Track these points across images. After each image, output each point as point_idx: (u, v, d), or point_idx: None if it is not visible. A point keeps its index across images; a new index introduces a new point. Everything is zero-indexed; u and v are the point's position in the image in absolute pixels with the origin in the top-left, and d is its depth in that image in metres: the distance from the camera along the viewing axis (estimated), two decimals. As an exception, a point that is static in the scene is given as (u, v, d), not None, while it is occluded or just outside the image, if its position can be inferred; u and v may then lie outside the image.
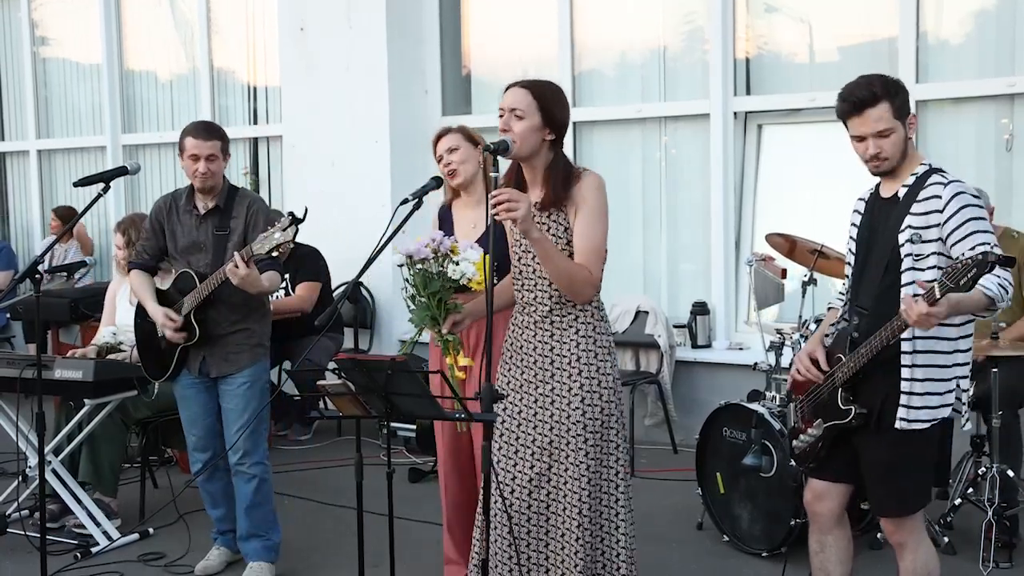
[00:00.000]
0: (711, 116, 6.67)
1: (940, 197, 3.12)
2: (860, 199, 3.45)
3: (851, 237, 3.43)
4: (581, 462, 3.30)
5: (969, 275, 2.82)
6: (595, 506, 3.34)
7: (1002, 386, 4.46)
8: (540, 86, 3.34)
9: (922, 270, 3.15)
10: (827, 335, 3.46)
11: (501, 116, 3.30)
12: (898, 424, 3.18)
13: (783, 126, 6.69)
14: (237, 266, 4.07)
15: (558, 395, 3.34)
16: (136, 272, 4.57)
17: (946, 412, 3.23)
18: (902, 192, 3.22)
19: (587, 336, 3.34)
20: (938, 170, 3.23)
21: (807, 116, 6.47)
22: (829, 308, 3.58)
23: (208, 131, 4.44)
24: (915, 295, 2.96)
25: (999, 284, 2.99)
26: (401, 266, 3.31)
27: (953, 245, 3.10)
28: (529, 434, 3.38)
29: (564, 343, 3.34)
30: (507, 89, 3.35)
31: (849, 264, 3.43)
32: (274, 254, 4.08)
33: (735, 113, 6.65)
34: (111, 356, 5.20)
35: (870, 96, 3.15)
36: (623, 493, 3.39)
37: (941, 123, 6.18)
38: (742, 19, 6.65)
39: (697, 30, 6.84)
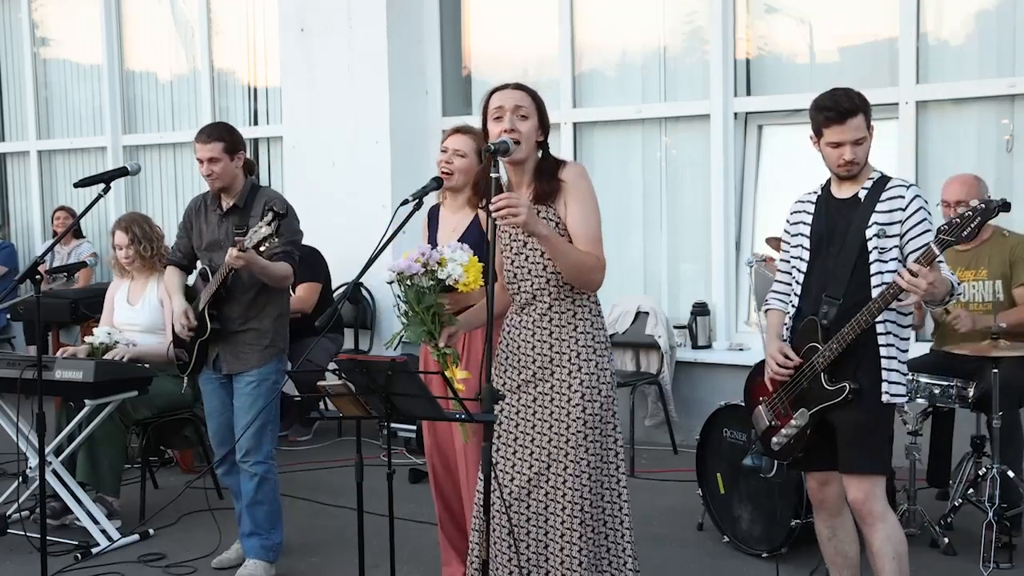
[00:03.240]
0: (711, 117, 6.68)
1: (903, 197, 3.42)
2: (805, 201, 3.66)
3: (801, 234, 3.61)
4: (582, 459, 3.30)
5: (973, 224, 3.15)
6: (597, 502, 3.34)
7: (1003, 385, 4.45)
8: (532, 89, 3.39)
9: (885, 262, 3.41)
10: (785, 326, 3.64)
11: (499, 118, 3.30)
12: (884, 399, 3.41)
13: (783, 127, 6.69)
14: (235, 256, 4.12)
15: (557, 392, 3.33)
16: (170, 268, 4.71)
17: (905, 391, 3.52)
18: (863, 193, 3.49)
19: (586, 332, 3.35)
20: (889, 176, 3.52)
21: (807, 117, 6.45)
22: (768, 310, 3.77)
23: (208, 134, 4.46)
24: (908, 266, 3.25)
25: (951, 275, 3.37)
26: (391, 283, 3.29)
27: (911, 241, 3.40)
28: (528, 434, 3.38)
29: (563, 340, 3.34)
30: (496, 91, 3.35)
31: (800, 259, 3.59)
32: (261, 248, 4.11)
33: (735, 114, 6.65)
34: (107, 355, 5.20)
35: (853, 107, 3.44)
36: (625, 488, 3.41)
37: (942, 124, 6.18)
38: (742, 20, 6.65)
39: (697, 30, 6.85)
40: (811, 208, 3.61)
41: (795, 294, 3.62)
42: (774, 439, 3.64)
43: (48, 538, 4.21)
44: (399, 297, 3.31)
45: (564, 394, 3.33)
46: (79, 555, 4.84)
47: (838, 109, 3.43)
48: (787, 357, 3.55)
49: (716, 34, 6.62)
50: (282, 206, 4.33)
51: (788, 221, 3.69)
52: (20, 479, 5.06)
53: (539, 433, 3.36)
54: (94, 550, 4.90)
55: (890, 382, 3.41)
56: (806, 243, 3.59)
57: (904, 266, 3.34)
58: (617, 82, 7.19)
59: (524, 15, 7.44)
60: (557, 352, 3.34)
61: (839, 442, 3.48)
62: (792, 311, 3.61)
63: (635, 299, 6.74)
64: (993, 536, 4.37)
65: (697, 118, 6.82)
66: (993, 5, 6.05)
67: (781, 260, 3.74)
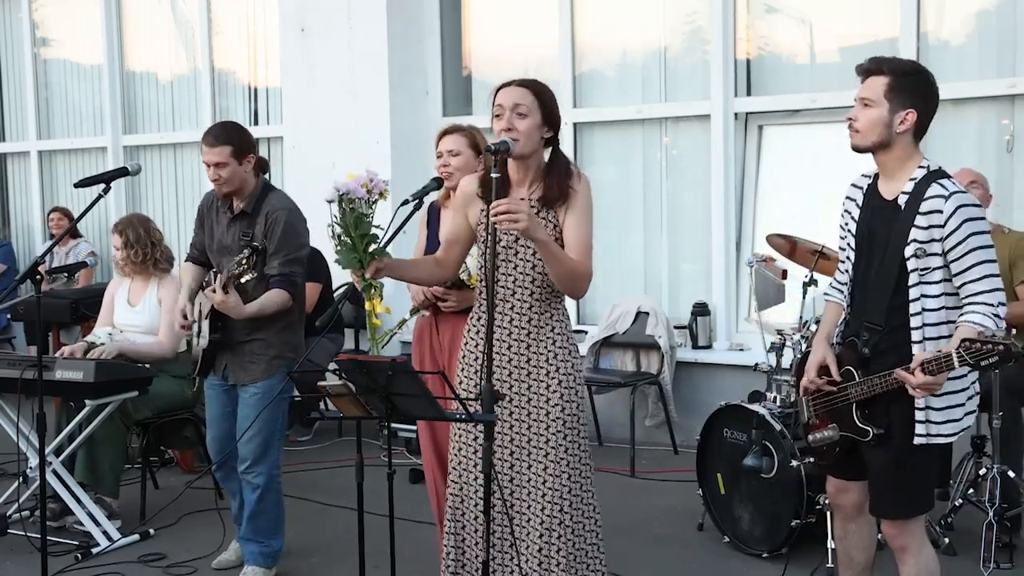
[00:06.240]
0: (712, 117, 6.67)
1: (941, 212, 3.08)
2: (855, 186, 3.38)
3: (848, 230, 3.37)
4: (561, 458, 3.31)
5: (991, 361, 2.89)
6: (576, 503, 3.35)
7: (1003, 384, 4.45)
8: (537, 84, 3.36)
9: (929, 283, 3.14)
10: (836, 331, 3.42)
11: (499, 116, 3.29)
12: (916, 440, 3.17)
13: (784, 127, 6.69)
14: (215, 290, 4.06)
15: (535, 393, 3.34)
16: (186, 265, 4.63)
17: (971, 421, 3.25)
18: (903, 199, 3.18)
19: (562, 334, 3.37)
20: (937, 173, 3.18)
21: (808, 117, 6.47)
22: (827, 300, 3.54)
23: (215, 136, 4.29)
24: (918, 365, 3.01)
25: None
26: (331, 202, 3.23)
27: (953, 262, 3.11)
28: (506, 434, 3.37)
29: (541, 341, 3.35)
30: (500, 89, 3.34)
31: (848, 259, 3.37)
32: (243, 280, 4.04)
33: (736, 114, 6.65)
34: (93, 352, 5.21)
35: (876, 67, 3.19)
36: (594, 487, 3.42)
37: (942, 124, 6.12)
38: (743, 20, 6.65)
39: (698, 30, 6.85)
40: (860, 199, 3.33)
41: (848, 292, 3.38)
42: (811, 437, 3.50)
43: (48, 538, 4.21)
44: (335, 218, 3.24)
45: (542, 394, 3.33)
46: (79, 555, 4.84)
47: (861, 67, 3.22)
48: (825, 369, 3.35)
49: (716, 34, 6.62)
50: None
51: (843, 204, 3.41)
52: (20, 479, 5.06)
53: (517, 434, 3.36)
54: (94, 550, 4.90)
55: (927, 421, 3.16)
56: (852, 242, 3.33)
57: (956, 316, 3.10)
58: (617, 82, 7.19)
59: (524, 15, 7.44)
60: (535, 352, 3.35)
61: (869, 480, 3.34)
62: (847, 308, 3.37)
63: (635, 299, 6.74)
64: (993, 536, 4.37)
65: (697, 118, 6.82)
66: (993, 5, 6.05)
67: (839, 247, 3.45)
